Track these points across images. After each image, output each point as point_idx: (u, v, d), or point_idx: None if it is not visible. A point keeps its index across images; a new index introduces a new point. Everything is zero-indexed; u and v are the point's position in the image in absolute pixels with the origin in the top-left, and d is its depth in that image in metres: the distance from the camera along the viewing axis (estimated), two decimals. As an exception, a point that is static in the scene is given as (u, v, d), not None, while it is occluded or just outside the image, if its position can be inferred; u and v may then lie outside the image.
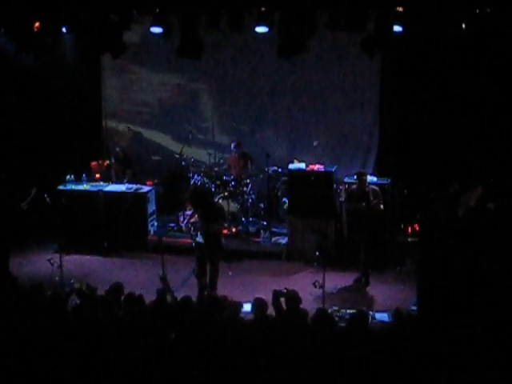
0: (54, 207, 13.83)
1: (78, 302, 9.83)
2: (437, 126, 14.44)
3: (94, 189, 15.22)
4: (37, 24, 13.29)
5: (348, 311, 11.54)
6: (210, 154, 16.18)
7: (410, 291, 12.24)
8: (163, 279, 11.88)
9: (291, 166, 14.81)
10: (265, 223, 15.20)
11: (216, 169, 15.86)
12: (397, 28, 12.36)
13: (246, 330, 8.80)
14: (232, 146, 15.68)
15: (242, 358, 8.16)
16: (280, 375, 7.95)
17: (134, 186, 15.31)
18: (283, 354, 8.12)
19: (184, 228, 12.76)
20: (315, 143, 14.98)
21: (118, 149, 16.27)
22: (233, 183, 15.27)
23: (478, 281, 10.07)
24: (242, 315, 9.31)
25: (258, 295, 9.50)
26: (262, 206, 15.65)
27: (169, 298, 10.18)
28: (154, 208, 15.44)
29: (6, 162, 14.79)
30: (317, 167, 14.54)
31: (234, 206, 15.07)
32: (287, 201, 15.12)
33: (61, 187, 15.17)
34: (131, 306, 9.30)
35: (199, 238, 12.18)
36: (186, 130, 16.09)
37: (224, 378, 8.04)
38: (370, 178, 13.85)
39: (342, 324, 9.78)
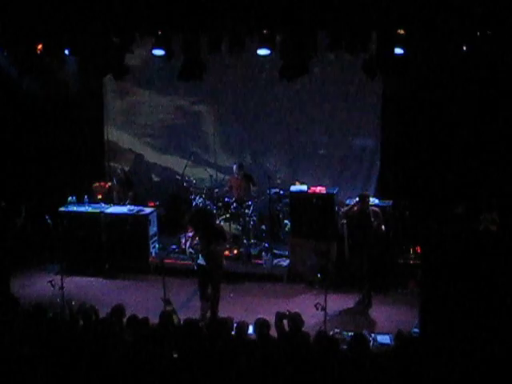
0: (56, 229, 13.82)
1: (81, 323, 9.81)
2: (438, 149, 14.46)
3: (96, 210, 15.21)
4: (39, 46, 13.35)
5: (349, 334, 11.48)
6: (211, 176, 16.19)
7: (412, 313, 12.19)
8: (167, 301, 11.82)
9: (293, 188, 14.82)
10: (266, 245, 15.17)
11: (217, 190, 15.86)
12: (398, 50, 12.40)
13: (250, 350, 8.79)
14: (234, 167, 15.68)
15: (246, 379, 8.13)
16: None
17: (136, 208, 15.30)
18: (286, 375, 8.09)
19: (187, 252, 12.74)
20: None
21: (119, 171, 16.29)
22: (234, 205, 15.26)
23: (481, 303, 10.04)
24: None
25: (257, 318, 9.47)
26: (263, 227, 15.63)
27: (175, 319, 10.16)
28: (155, 230, 15.42)
29: (7, 184, 14.82)
30: (318, 189, 14.53)
31: (235, 228, 15.04)
32: (289, 223, 15.11)
33: (62, 209, 15.17)
34: (135, 328, 9.28)
35: (200, 260, 12.16)
36: (188, 152, 16.10)
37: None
38: (372, 200, 13.85)
39: (344, 346, 9.74)
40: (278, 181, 15.73)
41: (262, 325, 9.19)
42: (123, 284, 14.44)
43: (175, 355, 8.69)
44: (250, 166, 16.18)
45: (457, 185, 14.17)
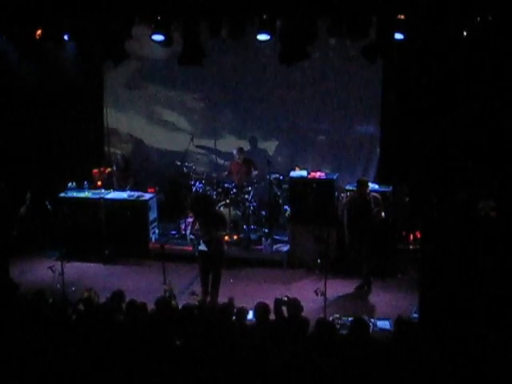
0: (56, 215, 13.83)
1: (81, 308, 9.83)
2: (438, 134, 14.45)
3: (96, 196, 15.20)
4: (39, 31, 13.31)
5: (349, 319, 11.49)
6: (211, 162, 16.17)
7: (411, 299, 12.22)
8: (169, 289, 11.80)
9: (293, 174, 14.81)
10: (266, 231, 15.18)
11: (215, 175, 15.84)
12: (398, 36, 12.37)
13: (250, 335, 8.81)
14: (234, 151, 15.67)
15: (246, 364, 8.15)
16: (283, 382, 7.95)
17: (136, 194, 15.31)
18: (285, 360, 8.11)
19: (188, 238, 12.74)
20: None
21: (119, 157, 16.27)
22: (234, 191, 15.26)
23: (481, 288, 10.05)
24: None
25: (257, 302, 9.48)
26: (263, 213, 15.63)
27: (174, 304, 10.17)
28: (155, 215, 15.43)
29: (6, 170, 14.81)
30: (318, 175, 14.53)
31: (235, 214, 15.04)
32: (289, 208, 15.12)
33: (62, 195, 15.17)
34: (134, 313, 9.30)
35: (201, 246, 12.16)
36: (188, 137, 16.08)
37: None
38: (372, 186, 13.85)
39: (344, 332, 9.77)
40: (278, 166, 15.72)
41: (262, 309, 9.21)
42: (123, 270, 14.46)
43: (178, 342, 8.71)
44: (250, 151, 16.16)
45: (456, 171, 14.17)
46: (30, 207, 13.91)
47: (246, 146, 16.17)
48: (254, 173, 15.59)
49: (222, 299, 10.29)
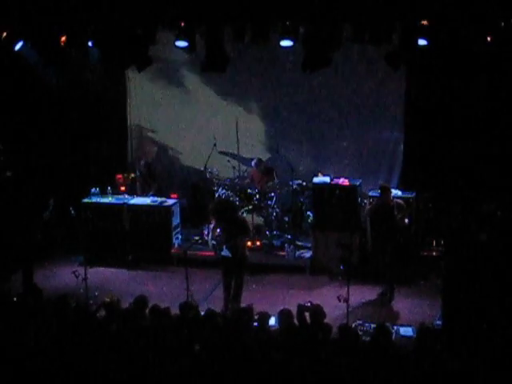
0: (79, 220, 13.89)
1: (103, 314, 9.87)
2: (462, 140, 14.37)
3: (119, 202, 15.27)
4: (63, 38, 13.40)
5: (372, 325, 11.47)
6: (234, 168, 16.19)
7: (434, 306, 12.17)
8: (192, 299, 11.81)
9: (316, 180, 14.79)
10: (289, 237, 15.16)
11: (237, 181, 15.86)
12: (422, 42, 12.34)
13: (274, 340, 8.82)
14: (253, 163, 15.71)
15: (269, 369, 8.15)
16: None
17: (159, 199, 15.36)
18: (308, 367, 8.11)
19: (210, 244, 12.76)
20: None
21: (142, 162, 16.30)
22: (257, 196, 15.26)
23: (504, 295, 9.99)
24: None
25: (281, 309, 9.48)
26: (286, 219, 15.61)
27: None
28: (178, 221, 15.47)
29: (31, 175, 14.91)
30: (341, 181, 14.51)
31: (258, 220, 15.05)
32: (312, 214, 15.10)
33: (86, 200, 15.23)
34: (157, 318, 9.33)
35: (224, 252, 12.18)
36: (211, 144, 16.10)
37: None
38: (395, 192, 13.82)
39: (367, 338, 9.74)
40: (301, 172, 15.70)
41: (286, 315, 9.21)
42: (146, 275, 14.50)
43: (197, 347, 8.72)
44: (272, 157, 16.16)
45: (480, 177, 14.09)
46: (54, 213, 13.97)
47: (269, 153, 16.17)
48: (276, 181, 15.57)
49: (244, 305, 10.28)
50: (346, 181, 14.53)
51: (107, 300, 10.07)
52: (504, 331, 9.59)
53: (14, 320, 9.48)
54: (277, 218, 15.40)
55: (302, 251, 14.94)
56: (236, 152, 16.26)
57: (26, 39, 13.73)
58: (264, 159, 16.00)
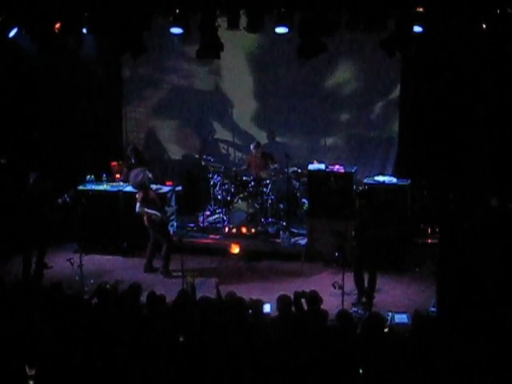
0: (74, 207, 13.86)
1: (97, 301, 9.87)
2: (457, 127, 14.38)
3: (114, 189, 15.24)
4: (58, 25, 13.35)
5: (367, 312, 11.51)
6: (229, 155, 16.16)
7: (429, 292, 12.21)
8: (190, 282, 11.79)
9: (311, 167, 14.77)
10: (284, 224, 15.18)
11: (234, 169, 15.86)
12: (417, 28, 12.33)
13: (271, 327, 8.83)
14: (251, 146, 15.67)
15: (266, 356, 8.17)
16: (302, 374, 7.95)
17: (154, 187, 15.32)
18: (304, 353, 8.13)
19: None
20: None
21: (130, 147, 16.01)
22: (252, 183, 15.25)
23: (498, 282, 10.01)
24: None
25: (276, 296, 9.48)
26: (281, 206, 15.62)
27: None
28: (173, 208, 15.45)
29: (25, 163, 14.89)
30: (336, 168, 14.49)
31: (253, 207, 15.05)
32: (307, 201, 15.11)
33: (81, 187, 15.20)
34: (153, 304, 9.34)
35: None
36: (206, 131, 16.08)
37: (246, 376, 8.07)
38: (390, 179, 13.83)
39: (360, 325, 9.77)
40: (296, 160, 15.70)
41: (284, 302, 9.23)
42: (141, 262, 14.47)
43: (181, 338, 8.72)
44: (268, 144, 16.16)
45: (475, 165, 14.11)
46: (69, 201, 13.91)
47: (264, 140, 16.17)
48: (273, 166, 15.54)
49: (241, 293, 10.25)
50: (341, 168, 14.51)
51: (102, 287, 10.08)
52: (499, 317, 9.61)
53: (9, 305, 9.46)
54: (272, 206, 15.40)
55: (296, 238, 14.96)
56: (231, 139, 16.23)
57: (20, 26, 13.68)
58: (260, 145, 15.99)
